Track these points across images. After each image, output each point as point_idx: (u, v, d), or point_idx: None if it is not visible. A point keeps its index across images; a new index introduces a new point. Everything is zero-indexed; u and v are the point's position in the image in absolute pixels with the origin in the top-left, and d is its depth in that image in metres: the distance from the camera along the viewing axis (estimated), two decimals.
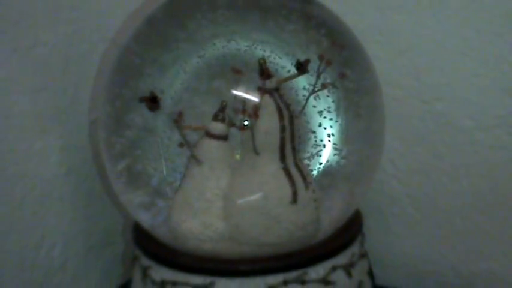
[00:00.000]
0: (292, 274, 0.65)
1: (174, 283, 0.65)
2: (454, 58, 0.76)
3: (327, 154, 0.67)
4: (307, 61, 0.64)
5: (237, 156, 0.66)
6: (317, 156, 0.67)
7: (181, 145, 0.65)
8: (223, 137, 0.65)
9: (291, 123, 0.64)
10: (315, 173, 0.67)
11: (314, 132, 0.67)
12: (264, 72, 0.63)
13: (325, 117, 0.67)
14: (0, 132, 0.72)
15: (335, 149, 0.67)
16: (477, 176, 0.78)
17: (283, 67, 0.66)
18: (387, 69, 0.72)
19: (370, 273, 0.70)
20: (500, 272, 0.78)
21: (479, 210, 0.78)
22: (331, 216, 0.67)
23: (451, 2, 0.75)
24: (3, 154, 0.72)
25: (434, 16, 0.76)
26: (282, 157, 0.64)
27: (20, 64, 0.73)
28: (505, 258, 0.78)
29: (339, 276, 0.66)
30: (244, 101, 0.64)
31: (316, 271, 0.65)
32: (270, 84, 0.63)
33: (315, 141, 0.67)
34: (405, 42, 0.77)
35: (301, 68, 0.64)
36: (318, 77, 0.64)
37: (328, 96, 0.66)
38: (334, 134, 0.67)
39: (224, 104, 0.64)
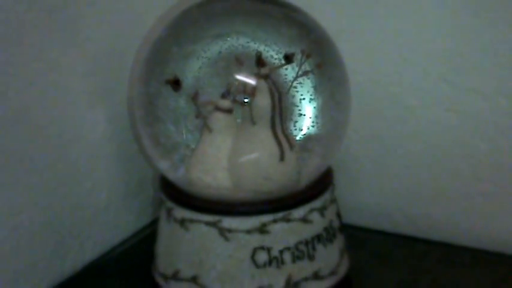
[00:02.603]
0: (280, 214, 0.65)
1: (191, 220, 0.65)
2: (404, 53, 0.76)
3: (307, 124, 0.67)
4: (293, 54, 0.64)
5: (239, 125, 0.65)
6: (299, 125, 0.67)
7: (197, 116, 0.65)
8: (229, 111, 0.64)
9: (280, 101, 0.63)
10: (298, 138, 0.67)
11: (297, 107, 0.67)
12: (260, 62, 0.63)
13: (305, 97, 0.67)
14: (60, 106, 0.72)
15: (313, 120, 0.67)
16: (419, 142, 0.78)
17: (274, 58, 0.65)
18: (353, 61, 0.71)
19: (338, 215, 0.70)
20: (435, 214, 0.79)
21: (420, 167, 0.78)
22: (309, 171, 0.67)
23: (402, 12, 0.75)
24: (62, 123, 0.72)
25: (389, 22, 0.76)
26: (273, 126, 0.64)
27: (76, 55, 0.73)
28: (439, 204, 0.78)
29: (315, 216, 0.66)
30: (244, 83, 0.64)
31: (298, 212, 0.65)
32: (264, 71, 0.63)
33: (298, 114, 0.67)
34: (367, 41, 0.77)
35: (288, 59, 0.64)
36: (300, 66, 0.64)
37: (308, 80, 0.66)
38: (312, 109, 0.67)
39: (230, 86, 0.64)
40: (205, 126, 0.65)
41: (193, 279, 0.65)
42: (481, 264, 0.73)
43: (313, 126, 0.67)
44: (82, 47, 0.73)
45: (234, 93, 0.64)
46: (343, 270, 0.69)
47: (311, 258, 0.66)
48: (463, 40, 0.73)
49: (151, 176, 0.82)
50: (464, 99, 0.74)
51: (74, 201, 0.75)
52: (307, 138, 0.67)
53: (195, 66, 0.66)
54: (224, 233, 0.64)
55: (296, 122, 0.67)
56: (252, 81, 0.63)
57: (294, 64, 0.64)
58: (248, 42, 0.66)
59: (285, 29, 0.68)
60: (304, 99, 0.67)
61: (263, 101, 0.63)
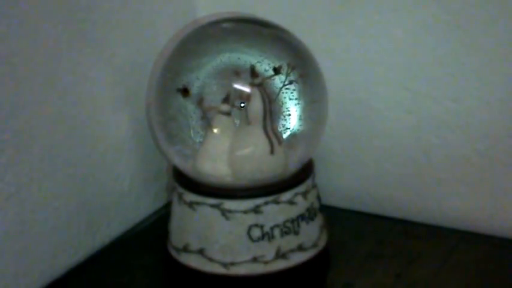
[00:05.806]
0: (270, 197, 0.65)
1: (198, 203, 0.65)
2: (370, 67, 0.76)
3: (292, 124, 0.67)
4: (280, 66, 0.64)
5: (237, 125, 0.65)
6: (286, 125, 0.67)
7: (202, 118, 0.65)
8: (228, 113, 0.64)
9: (270, 105, 0.64)
10: (285, 135, 0.67)
11: (284, 110, 0.67)
12: (253, 73, 0.63)
13: (291, 101, 0.67)
14: (91, 110, 0.71)
15: (297, 121, 0.67)
16: (384, 138, 0.77)
17: (265, 70, 0.65)
18: (329, 73, 0.71)
19: (318, 197, 0.70)
20: (397, 196, 0.78)
21: (385, 158, 0.78)
22: (294, 162, 0.67)
23: (369, 33, 0.74)
24: (93, 124, 0.72)
25: (359, 41, 0.75)
26: (264, 126, 0.64)
27: (103, 68, 0.72)
28: (400, 188, 0.78)
29: (299, 199, 0.66)
30: (241, 91, 0.64)
31: (285, 196, 0.65)
32: (257, 80, 0.63)
33: (285, 116, 0.67)
34: (340, 56, 0.77)
35: (276, 71, 0.64)
36: (286, 76, 0.64)
37: (293, 88, 0.66)
38: (296, 111, 0.67)
39: (229, 93, 0.64)
40: (209, 126, 0.65)
41: (200, 251, 0.65)
42: (434, 237, 0.73)
43: (297, 126, 0.67)
44: (108, 62, 0.73)
45: (233, 99, 0.64)
46: (322, 243, 0.69)
47: (296, 233, 0.66)
48: (419, 55, 0.73)
49: (165, 167, 0.82)
50: (420, 103, 0.74)
51: (103, 188, 0.74)
52: (293, 135, 0.67)
53: (201, 77, 0.66)
54: (225, 213, 0.64)
55: (283, 122, 0.67)
56: (247, 89, 0.63)
57: (281, 75, 0.64)
58: (244, 57, 0.66)
59: (274, 46, 0.68)
60: (290, 103, 0.67)
61: (256, 105, 0.63)
